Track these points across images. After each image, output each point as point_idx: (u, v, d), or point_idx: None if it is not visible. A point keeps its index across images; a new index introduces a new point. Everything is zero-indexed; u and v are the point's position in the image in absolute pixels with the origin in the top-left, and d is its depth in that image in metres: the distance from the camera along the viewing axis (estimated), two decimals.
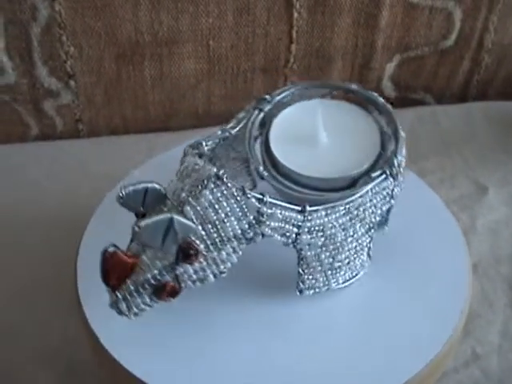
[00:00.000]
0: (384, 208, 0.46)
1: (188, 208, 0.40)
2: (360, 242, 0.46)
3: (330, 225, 0.44)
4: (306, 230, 0.43)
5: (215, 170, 0.41)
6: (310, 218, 0.43)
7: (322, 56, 0.75)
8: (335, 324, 0.47)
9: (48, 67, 0.70)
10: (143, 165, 0.57)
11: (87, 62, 0.70)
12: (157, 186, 0.41)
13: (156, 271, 0.40)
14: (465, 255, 0.51)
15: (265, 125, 0.49)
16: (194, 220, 0.40)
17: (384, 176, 0.45)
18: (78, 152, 0.72)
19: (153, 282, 0.40)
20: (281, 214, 0.42)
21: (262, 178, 0.46)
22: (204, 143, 0.46)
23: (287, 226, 0.43)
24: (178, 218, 0.39)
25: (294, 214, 0.43)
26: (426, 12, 0.74)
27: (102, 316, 0.45)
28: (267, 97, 0.49)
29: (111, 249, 0.39)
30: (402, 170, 0.46)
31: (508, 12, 0.76)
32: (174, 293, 0.41)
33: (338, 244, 0.45)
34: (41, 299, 0.57)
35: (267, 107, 0.49)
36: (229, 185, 0.40)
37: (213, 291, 0.45)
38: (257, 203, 0.41)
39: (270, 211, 0.42)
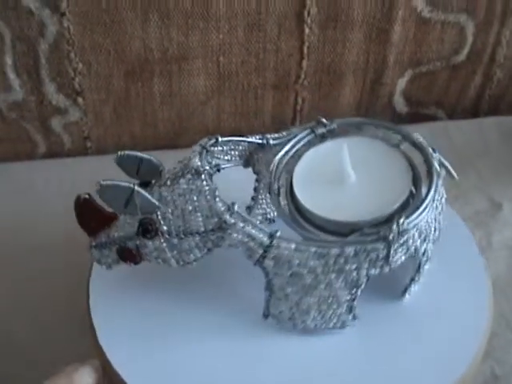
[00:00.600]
0: (373, 272, 0.42)
1: (157, 188, 0.42)
2: (335, 294, 0.43)
3: (298, 261, 0.42)
4: (272, 256, 0.42)
5: (198, 163, 0.42)
6: (277, 245, 0.41)
7: (333, 72, 0.74)
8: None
9: (56, 84, 0.69)
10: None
11: (96, 78, 0.70)
12: (153, 159, 0.45)
13: (122, 234, 0.43)
14: (485, 274, 0.50)
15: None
16: (161, 200, 0.42)
17: (375, 237, 0.42)
18: (85, 170, 0.71)
19: (117, 242, 0.43)
20: (244, 229, 0.41)
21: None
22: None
23: (252, 244, 0.42)
24: (140, 191, 0.41)
25: (260, 235, 0.42)
26: (438, 27, 0.73)
27: (114, 340, 0.45)
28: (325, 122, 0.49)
29: (84, 196, 0.43)
30: (409, 238, 0.42)
31: None
32: (132, 260, 0.44)
33: (307, 286, 0.43)
34: (53, 322, 0.56)
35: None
36: (204, 182, 0.42)
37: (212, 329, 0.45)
38: (222, 209, 0.41)
39: (232, 221, 0.41)
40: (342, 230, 0.43)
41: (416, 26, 0.73)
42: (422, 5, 0.71)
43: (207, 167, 0.42)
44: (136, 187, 0.41)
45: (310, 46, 0.71)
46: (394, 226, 0.40)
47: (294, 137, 0.48)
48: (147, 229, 0.42)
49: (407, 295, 0.47)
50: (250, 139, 0.48)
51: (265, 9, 0.68)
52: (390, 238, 0.40)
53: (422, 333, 0.46)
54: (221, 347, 0.45)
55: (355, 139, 0.47)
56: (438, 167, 0.44)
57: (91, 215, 0.44)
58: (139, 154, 0.46)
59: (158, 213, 0.42)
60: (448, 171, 0.45)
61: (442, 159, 0.45)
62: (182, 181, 0.42)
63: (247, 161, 0.49)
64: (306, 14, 0.69)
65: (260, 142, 0.48)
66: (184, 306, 0.47)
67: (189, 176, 0.42)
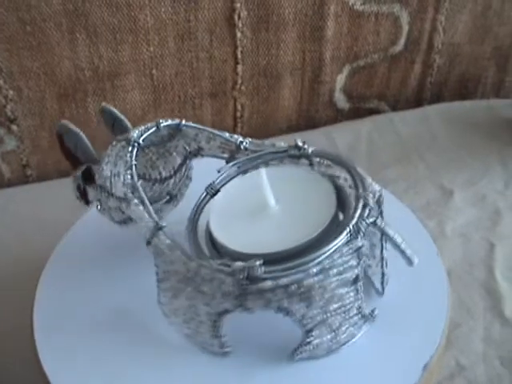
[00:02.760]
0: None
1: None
2: (195, 305, 0.39)
3: (170, 259, 0.39)
4: (154, 243, 0.40)
5: (134, 135, 0.44)
6: (158, 236, 0.40)
7: (270, 74, 0.74)
8: None
9: None
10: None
11: (28, 104, 0.68)
12: (125, 120, 0.48)
13: (79, 173, 0.47)
14: (438, 263, 0.49)
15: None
16: (102, 156, 0.45)
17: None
18: (27, 199, 0.69)
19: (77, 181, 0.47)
20: (138, 207, 0.41)
21: None
22: None
23: (141, 225, 0.40)
24: (83, 139, 0.46)
25: (150, 220, 0.40)
26: (372, 19, 0.73)
27: (59, 367, 0.43)
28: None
29: (59, 131, 0.45)
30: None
31: (456, 10, 0.76)
32: (83, 198, 0.48)
33: (176, 288, 0.40)
34: None
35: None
36: (128, 154, 0.43)
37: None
38: (128, 182, 0.42)
39: (129, 196, 0.41)
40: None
41: (350, 20, 0.72)
42: None
43: (141, 141, 0.44)
44: (81, 134, 0.45)
45: (243, 50, 0.71)
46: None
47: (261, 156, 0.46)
48: (86, 176, 0.46)
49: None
50: (217, 132, 0.47)
51: (194, 17, 0.67)
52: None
53: (381, 327, 0.45)
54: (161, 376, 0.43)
55: (278, 169, 0.45)
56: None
57: (64, 152, 0.47)
58: (115, 112, 0.49)
59: (97, 166, 0.44)
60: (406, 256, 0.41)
61: (399, 243, 0.40)
62: (117, 145, 0.44)
63: (231, 158, 0.48)
64: (236, 17, 0.68)
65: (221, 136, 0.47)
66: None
67: (122, 143, 0.44)
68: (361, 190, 0.40)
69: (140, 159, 0.46)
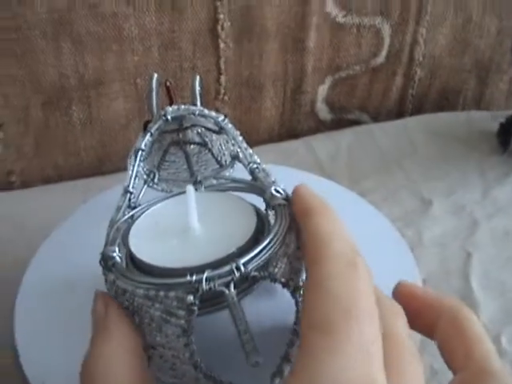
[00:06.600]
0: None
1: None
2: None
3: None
4: None
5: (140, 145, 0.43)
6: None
7: (252, 85, 0.75)
8: None
9: None
10: (76, 211, 0.56)
11: (13, 111, 0.69)
12: None
13: None
14: (415, 272, 0.50)
15: None
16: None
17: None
18: (10, 205, 0.70)
19: None
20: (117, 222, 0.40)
21: None
22: None
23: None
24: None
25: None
26: (354, 31, 0.74)
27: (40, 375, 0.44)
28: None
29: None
30: None
31: (436, 23, 0.77)
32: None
33: None
34: None
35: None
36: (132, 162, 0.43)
37: None
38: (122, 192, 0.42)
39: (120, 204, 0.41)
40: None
41: (332, 32, 0.73)
42: (335, 10, 0.71)
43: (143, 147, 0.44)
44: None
45: (226, 60, 0.72)
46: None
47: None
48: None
49: None
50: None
51: (178, 27, 0.68)
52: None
53: None
54: None
55: (203, 194, 0.45)
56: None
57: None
58: None
59: None
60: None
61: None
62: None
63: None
64: (219, 28, 0.69)
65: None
66: None
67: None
68: None
69: None
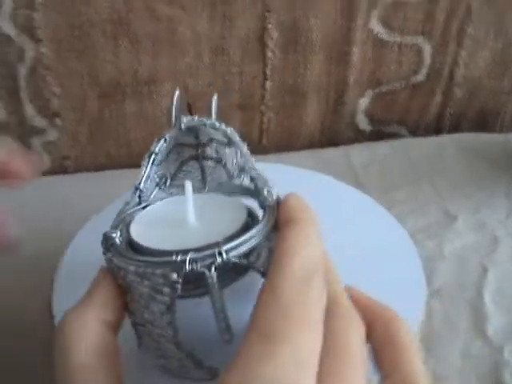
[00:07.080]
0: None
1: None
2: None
3: None
4: None
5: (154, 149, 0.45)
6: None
7: (296, 92, 0.78)
8: None
9: (34, 106, 0.73)
10: (121, 198, 0.59)
11: (71, 101, 0.73)
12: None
13: None
14: (421, 284, 0.51)
15: None
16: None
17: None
18: (63, 187, 0.74)
19: None
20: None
21: None
22: None
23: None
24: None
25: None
26: (396, 49, 0.76)
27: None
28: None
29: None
30: None
31: (476, 46, 0.78)
32: None
33: None
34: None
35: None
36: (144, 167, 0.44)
37: None
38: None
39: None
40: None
41: (374, 48, 0.76)
42: (378, 27, 0.74)
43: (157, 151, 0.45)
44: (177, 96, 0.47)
45: (272, 68, 0.75)
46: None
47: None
48: None
49: None
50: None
51: (228, 34, 0.72)
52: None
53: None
54: None
55: (203, 194, 0.47)
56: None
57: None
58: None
59: None
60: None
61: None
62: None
63: None
64: (267, 37, 0.72)
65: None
66: None
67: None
68: None
69: None
